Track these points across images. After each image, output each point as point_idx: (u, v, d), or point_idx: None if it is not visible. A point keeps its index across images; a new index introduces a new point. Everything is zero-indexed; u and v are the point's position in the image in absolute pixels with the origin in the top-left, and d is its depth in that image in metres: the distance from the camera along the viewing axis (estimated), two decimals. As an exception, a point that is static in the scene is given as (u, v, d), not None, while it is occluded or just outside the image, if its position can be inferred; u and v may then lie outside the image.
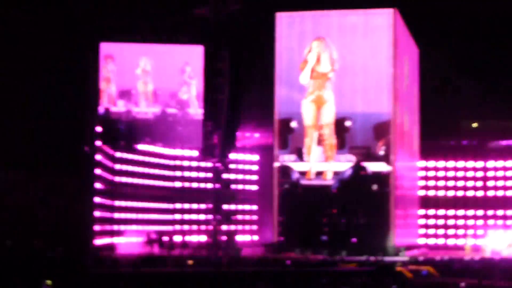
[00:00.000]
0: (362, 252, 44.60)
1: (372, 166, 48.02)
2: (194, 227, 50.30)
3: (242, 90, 51.14)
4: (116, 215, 46.80)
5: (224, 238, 47.56)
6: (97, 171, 44.70)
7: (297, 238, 48.25)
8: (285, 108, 49.63)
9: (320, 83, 49.38)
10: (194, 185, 50.82)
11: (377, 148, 47.94)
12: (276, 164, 49.11)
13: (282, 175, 49.30)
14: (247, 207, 51.89)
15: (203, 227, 50.00)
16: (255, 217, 52.47)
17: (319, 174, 48.39)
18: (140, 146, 49.15)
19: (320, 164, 48.19)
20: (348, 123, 48.51)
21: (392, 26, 48.85)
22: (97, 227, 44.31)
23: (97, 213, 44.33)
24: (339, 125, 48.49)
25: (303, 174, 48.96)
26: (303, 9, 49.80)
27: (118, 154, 47.67)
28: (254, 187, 52.82)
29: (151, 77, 51.38)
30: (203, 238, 49.93)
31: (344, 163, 48.15)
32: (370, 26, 49.41)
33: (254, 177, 52.94)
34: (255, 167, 53.05)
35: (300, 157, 49.00)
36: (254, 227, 52.42)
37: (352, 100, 48.80)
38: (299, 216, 48.91)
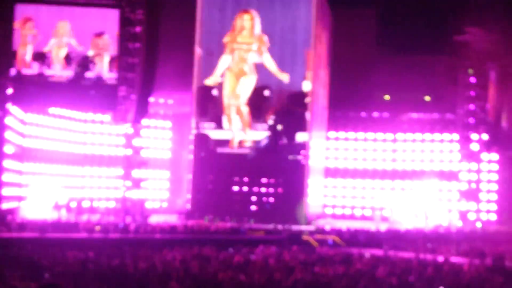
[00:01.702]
0: (273, 221, 45.13)
1: (290, 136, 48.56)
2: (103, 193, 50.09)
3: (157, 55, 50.96)
4: (25, 179, 46.33)
5: (132, 204, 47.64)
6: (7, 134, 44.17)
7: (209, 206, 48.58)
8: (204, 76, 49.72)
9: (242, 55, 49.54)
10: (105, 150, 50.55)
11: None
12: (193, 132, 49.21)
13: (198, 143, 49.46)
14: (158, 174, 51.81)
15: (112, 193, 49.88)
16: (166, 185, 52.45)
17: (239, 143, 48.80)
18: (51, 110, 48.60)
19: (239, 133, 48.51)
20: (266, 93, 48.90)
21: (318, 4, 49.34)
22: (5, 191, 43.86)
23: (5, 177, 43.86)
24: (257, 94, 48.85)
25: (221, 142, 49.21)
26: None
27: (29, 117, 47.11)
28: (167, 154, 52.76)
29: (66, 40, 50.62)
30: (112, 204, 49.84)
31: (261, 132, 48.61)
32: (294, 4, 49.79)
33: (167, 144, 52.87)
34: (168, 134, 52.99)
35: (219, 125, 49.22)
36: (166, 194, 52.44)
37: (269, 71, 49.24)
38: (212, 183, 49.22)
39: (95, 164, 50.44)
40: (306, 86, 48.30)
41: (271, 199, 48.22)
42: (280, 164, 48.46)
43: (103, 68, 49.38)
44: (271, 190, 48.44)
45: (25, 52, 50.07)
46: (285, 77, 48.14)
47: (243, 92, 48.73)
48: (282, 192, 48.15)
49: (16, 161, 45.30)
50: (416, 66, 53.23)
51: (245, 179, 48.65)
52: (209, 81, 48.73)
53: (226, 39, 48.89)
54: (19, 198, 45.87)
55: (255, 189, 48.64)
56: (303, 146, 48.37)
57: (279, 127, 48.14)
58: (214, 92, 48.68)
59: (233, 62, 48.97)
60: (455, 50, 49.73)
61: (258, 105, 48.73)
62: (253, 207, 48.19)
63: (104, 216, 46.22)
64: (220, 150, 48.76)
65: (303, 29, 49.05)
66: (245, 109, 48.45)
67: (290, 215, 46.73)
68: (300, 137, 48.21)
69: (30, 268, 25.89)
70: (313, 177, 49.47)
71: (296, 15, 49.19)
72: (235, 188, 48.75)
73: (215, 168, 48.90)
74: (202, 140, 48.66)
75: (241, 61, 48.93)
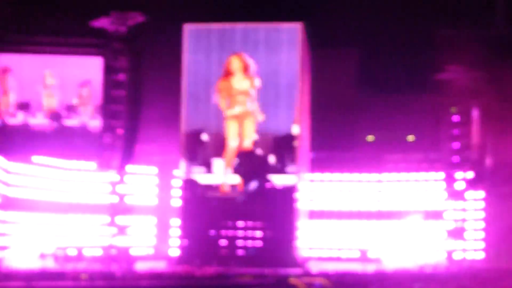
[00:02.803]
0: (261, 265, 44.98)
1: (277, 179, 48.60)
2: (89, 240, 49.84)
3: (142, 102, 51.08)
4: (9, 228, 46.09)
5: (118, 251, 47.42)
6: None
7: (198, 251, 48.38)
8: (191, 121, 49.82)
9: (240, 99, 49.67)
10: (90, 198, 50.41)
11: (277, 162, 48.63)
12: (181, 176, 49.19)
13: (187, 188, 49.41)
14: (144, 220, 51.64)
15: (98, 240, 49.64)
16: (153, 231, 52.26)
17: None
18: (36, 158, 48.53)
19: (230, 176, 48.65)
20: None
21: (299, 40, 49.56)
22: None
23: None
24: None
25: (209, 187, 49.15)
26: (211, 21, 50.21)
27: (13, 166, 47.01)
28: (153, 200, 52.65)
29: (55, 90, 50.68)
30: (97, 251, 49.57)
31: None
32: (275, 40, 50.02)
33: (153, 190, 52.77)
34: (154, 180, 52.91)
35: (208, 169, 49.23)
36: (152, 240, 52.23)
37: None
38: (201, 229, 49.07)
39: (81, 212, 50.27)
40: (294, 129, 48.46)
41: (259, 243, 48.09)
42: (268, 207, 48.43)
43: (87, 116, 49.49)
44: (259, 234, 48.32)
45: (8, 101, 50.15)
46: (260, 117, 48.56)
47: (248, 135, 48.95)
48: (270, 236, 48.05)
49: (0, 210, 45.14)
50: (399, 105, 53.50)
51: (234, 223, 48.55)
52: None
53: (221, 84, 49.06)
54: (4, 248, 45.60)
55: (244, 233, 48.52)
56: (292, 188, 48.38)
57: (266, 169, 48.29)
58: (204, 137, 48.79)
59: (232, 106, 49.19)
60: (437, 88, 50.05)
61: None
62: (241, 252, 48.04)
63: (90, 264, 45.97)
64: (208, 194, 48.73)
65: (287, 72, 49.30)
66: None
67: (279, 259, 46.61)
68: (287, 179, 48.26)
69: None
70: (301, 219, 49.44)
71: (280, 58, 49.47)
72: (223, 232, 48.58)
73: (204, 213, 48.79)
74: (190, 185, 48.66)
75: (241, 104, 49.13)
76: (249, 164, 49.44)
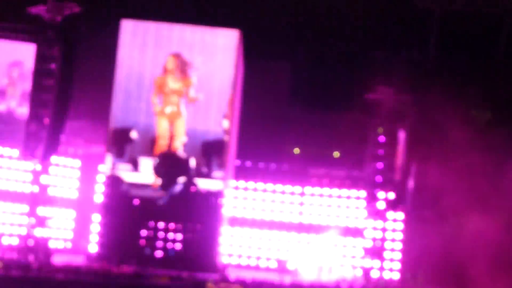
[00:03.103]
0: (181, 268, 44.86)
1: (202, 183, 48.53)
2: (7, 229, 49.04)
3: (71, 93, 50.53)
4: None
5: (36, 242, 46.77)
6: None
7: (117, 249, 47.95)
8: (121, 117, 49.36)
9: (173, 99, 49.47)
10: (11, 185, 49.56)
11: (204, 166, 48.60)
12: (106, 173, 48.69)
13: (110, 184, 48.94)
14: (64, 213, 50.99)
15: (16, 229, 48.86)
16: (72, 224, 51.61)
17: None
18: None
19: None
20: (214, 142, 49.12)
21: (236, 47, 49.60)
22: None
23: None
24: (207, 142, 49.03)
25: (133, 185, 48.80)
26: (149, 19, 50.01)
27: None
28: (74, 194, 52.02)
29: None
30: (15, 241, 48.76)
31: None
32: (211, 45, 49.95)
33: (75, 183, 52.11)
34: (77, 173, 52.30)
35: (135, 167, 48.87)
36: (70, 234, 51.57)
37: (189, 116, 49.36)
38: (121, 226, 48.63)
39: (0, 199, 49.36)
40: (223, 135, 48.47)
41: (180, 246, 47.88)
42: (191, 210, 48.31)
43: (15, 101, 48.73)
44: (179, 236, 48.12)
45: None
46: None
47: (178, 136, 48.76)
48: (191, 239, 47.91)
49: None
50: (327, 121, 53.91)
51: (155, 224, 48.26)
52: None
53: (157, 81, 48.79)
54: None
55: (164, 234, 48.25)
56: (217, 194, 48.35)
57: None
58: (133, 134, 48.43)
59: (165, 104, 48.96)
60: (366, 108, 50.64)
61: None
62: (160, 253, 47.76)
63: (6, 252, 45.24)
64: (132, 193, 48.36)
65: (221, 77, 49.30)
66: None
67: (198, 263, 46.51)
68: (213, 185, 48.21)
69: None
70: (223, 225, 49.44)
71: (215, 63, 49.44)
72: (144, 232, 48.25)
73: (126, 212, 48.40)
74: (114, 181, 48.19)
75: (173, 104, 48.97)
76: (170, 166, 49.29)
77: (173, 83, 49.25)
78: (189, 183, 48.11)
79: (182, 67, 49.17)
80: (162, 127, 48.43)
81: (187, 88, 49.01)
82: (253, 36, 51.50)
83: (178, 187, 48.02)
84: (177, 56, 49.09)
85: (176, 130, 48.67)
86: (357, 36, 53.10)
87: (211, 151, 48.71)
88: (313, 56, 54.93)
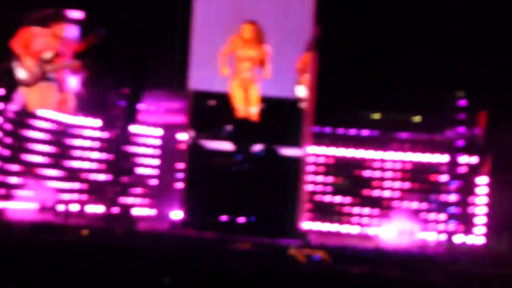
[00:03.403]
0: (263, 233, 45.03)
1: (280, 150, 48.51)
2: (91, 197, 49.92)
3: (147, 61, 50.97)
4: (11, 180, 45.96)
5: (120, 210, 47.50)
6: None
7: (200, 216, 48.45)
8: (198, 85, 49.46)
9: (247, 66, 49.52)
10: (94, 155, 50.27)
11: (282, 132, 48.61)
12: (187, 140, 49.06)
13: (192, 152, 49.31)
14: (146, 181, 51.63)
15: (100, 197, 49.66)
16: (155, 192, 52.24)
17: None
18: (42, 112, 48.35)
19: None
20: (290, 109, 49.10)
21: (312, 11, 49.26)
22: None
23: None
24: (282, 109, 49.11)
25: (216, 152, 49.16)
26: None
27: (18, 118, 46.84)
28: (156, 162, 52.60)
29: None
30: (100, 208, 49.51)
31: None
32: (285, 11, 49.81)
33: (157, 152, 52.69)
34: (157, 142, 52.86)
35: (215, 135, 49.21)
36: (153, 202, 52.22)
37: (263, 84, 49.33)
38: (205, 194, 49.09)
39: (84, 168, 50.16)
40: (300, 100, 48.24)
41: (262, 212, 48.10)
42: (271, 177, 48.38)
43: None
44: (262, 202, 48.30)
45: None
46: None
47: (253, 102, 48.95)
48: (272, 205, 48.03)
49: (2, 161, 45.01)
50: (405, 85, 53.43)
51: (238, 190, 48.55)
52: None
53: (231, 46, 48.90)
54: (5, 198, 45.54)
55: (247, 201, 48.50)
56: (297, 160, 48.29)
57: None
58: (212, 102, 48.63)
59: (238, 72, 49.00)
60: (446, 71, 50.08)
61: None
62: (244, 219, 48.05)
63: (91, 220, 46.06)
64: (213, 160, 48.69)
65: (296, 43, 49.15)
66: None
67: (280, 229, 46.62)
68: (293, 151, 48.13)
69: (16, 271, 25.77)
70: (304, 191, 49.42)
71: (289, 28, 49.34)
72: (227, 199, 48.54)
73: (209, 179, 48.74)
74: (195, 149, 48.49)
75: (246, 70, 49.02)
76: (248, 132, 49.43)
77: (248, 51, 49.14)
78: (268, 149, 48.14)
79: (257, 35, 49.01)
80: (236, 94, 48.49)
81: (262, 56, 48.89)
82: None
83: (257, 153, 48.12)
84: (252, 24, 48.90)
85: (250, 96, 48.61)
86: None
87: (288, 118, 48.65)
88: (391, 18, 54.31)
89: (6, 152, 45.07)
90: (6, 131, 45.20)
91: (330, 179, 52.12)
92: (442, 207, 49.78)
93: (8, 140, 46.26)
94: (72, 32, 48.21)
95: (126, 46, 49.63)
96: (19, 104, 46.33)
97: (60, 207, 46.28)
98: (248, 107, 48.39)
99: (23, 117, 46.76)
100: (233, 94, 48.00)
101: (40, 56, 46.25)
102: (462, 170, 49.01)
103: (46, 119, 47.74)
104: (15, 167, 45.44)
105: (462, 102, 49.23)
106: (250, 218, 47.56)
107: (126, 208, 47.05)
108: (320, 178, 52.04)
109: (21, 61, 44.81)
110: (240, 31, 48.19)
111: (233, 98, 47.79)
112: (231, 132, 48.17)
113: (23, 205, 46.10)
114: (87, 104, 50.20)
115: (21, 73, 44.90)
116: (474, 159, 49.08)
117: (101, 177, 48.89)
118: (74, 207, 47.91)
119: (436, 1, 51.37)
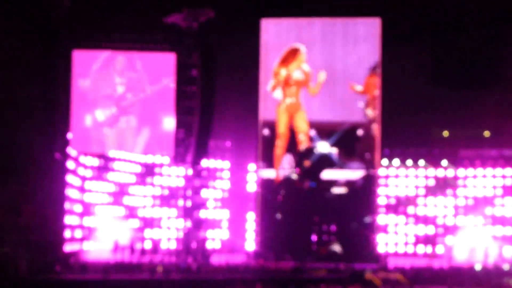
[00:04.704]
0: (340, 259, 44.93)
1: (348, 174, 48.63)
2: (165, 233, 50.23)
3: (214, 97, 51.40)
4: (86, 221, 46.58)
5: (194, 244, 47.72)
6: (69, 178, 44.57)
7: (273, 245, 48.54)
8: (264, 115, 50.21)
9: (294, 91, 49.91)
10: (165, 192, 50.72)
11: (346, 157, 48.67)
12: (256, 171, 49.53)
13: (263, 183, 49.74)
14: (218, 214, 51.83)
15: (173, 233, 50.00)
16: (226, 224, 52.40)
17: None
18: (112, 153, 49.00)
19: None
20: (360, 132, 49.18)
21: (379, 35, 49.50)
22: (67, 234, 44.18)
23: (68, 219, 44.20)
24: (349, 132, 49.22)
25: (282, 182, 49.43)
26: (285, 16, 50.51)
27: (90, 161, 47.52)
28: (225, 194, 52.80)
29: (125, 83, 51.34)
30: (173, 244, 49.89)
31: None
32: (353, 35, 49.97)
33: (226, 184, 52.90)
34: (226, 174, 53.07)
35: (272, 164, 49.57)
36: (226, 234, 52.38)
37: (332, 108, 49.43)
38: (277, 223, 49.31)
39: (157, 205, 50.56)
40: (368, 123, 48.38)
41: (335, 238, 47.97)
42: (344, 202, 48.36)
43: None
44: (334, 228, 48.18)
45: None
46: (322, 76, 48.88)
47: (301, 128, 49.19)
48: (347, 230, 47.86)
49: (78, 204, 45.67)
50: (473, 101, 52.71)
51: (309, 217, 48.63)
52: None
53: (282, 73, 49.27)
54: (82, 240, 46.11)
55: (319, 227, 48.49)
56: (370, 183, 48.36)
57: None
58: (265, 132, 49.20)
59: (285, 96, 49.53)
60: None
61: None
62: (317, 246, 47.95)
63: (165, 256, 46.33)
64: (283, 189, 49.04)
65: (362, 66, 49.22)
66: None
67: (355, 253, 46.42)
68: (363, 174, 48.21)
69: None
70: (378, 214, 49.15)
71: (357, 52, 49.47)
72: (300, 227, 48.60)
73: (280, 208, 49.12)
74: (265, 180, 48.97)
75: (293, 95, 49.48)
76: (313, 160, 49.50)
77: (295, 74, 49.74)
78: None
79: (304, 58, 49.53)
80: (282, 121, 49.02)
81: (307, 79, 49.41)
82: (390, 21, 51.09)
83: (325, 180, 48.13)
84: (299, 47, 49.49)
85: (298, 122, 49.11)
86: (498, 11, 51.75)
87: (351, 141, 48.72)
88: (454, 35, 53.76)
89: (82, 195, 45.69)
90: (79, 174, 45.77)
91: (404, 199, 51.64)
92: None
93: (82, 183, 46.68)
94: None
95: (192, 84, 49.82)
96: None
97: (135, 245, 46.50)
98: (296, 133, 48.56)
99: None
100: (279, 119, 48.46)
101: None
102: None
103: (116, 160, 48.32)
104: (91, 209, 46.10)
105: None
106: (323, 244, 47.29)
107: (199, 242, 47.10)
108: (394, 199, 51.61)
109: None
110: (287, 53, 48.76)
111: (278, 123, 48.12)
112: (296, 161, 48.28)
113: (100, 245, 46.42)
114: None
115: None
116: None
117: (174, 212, 49.15)
118: (148, 245, 48.15)
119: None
